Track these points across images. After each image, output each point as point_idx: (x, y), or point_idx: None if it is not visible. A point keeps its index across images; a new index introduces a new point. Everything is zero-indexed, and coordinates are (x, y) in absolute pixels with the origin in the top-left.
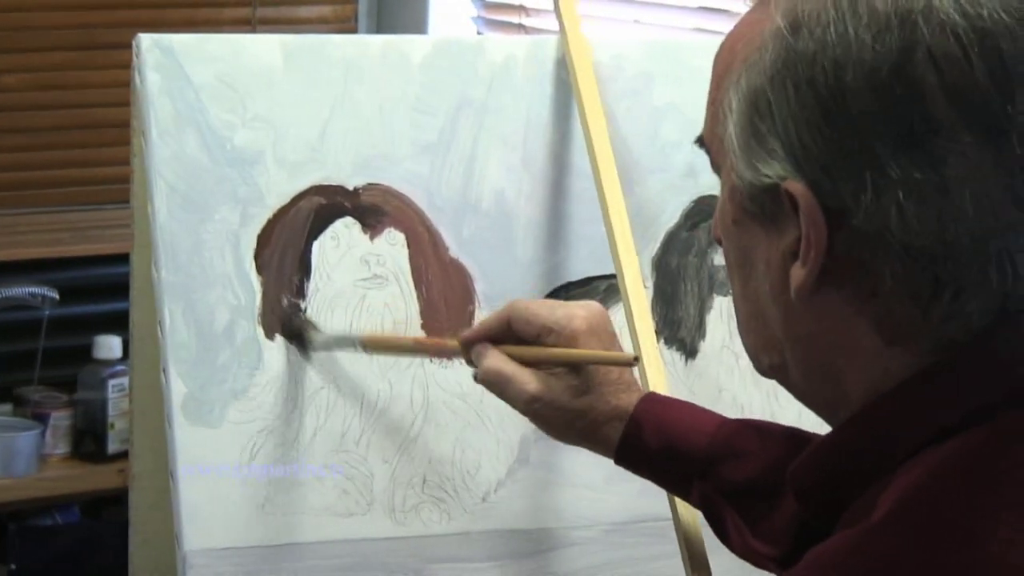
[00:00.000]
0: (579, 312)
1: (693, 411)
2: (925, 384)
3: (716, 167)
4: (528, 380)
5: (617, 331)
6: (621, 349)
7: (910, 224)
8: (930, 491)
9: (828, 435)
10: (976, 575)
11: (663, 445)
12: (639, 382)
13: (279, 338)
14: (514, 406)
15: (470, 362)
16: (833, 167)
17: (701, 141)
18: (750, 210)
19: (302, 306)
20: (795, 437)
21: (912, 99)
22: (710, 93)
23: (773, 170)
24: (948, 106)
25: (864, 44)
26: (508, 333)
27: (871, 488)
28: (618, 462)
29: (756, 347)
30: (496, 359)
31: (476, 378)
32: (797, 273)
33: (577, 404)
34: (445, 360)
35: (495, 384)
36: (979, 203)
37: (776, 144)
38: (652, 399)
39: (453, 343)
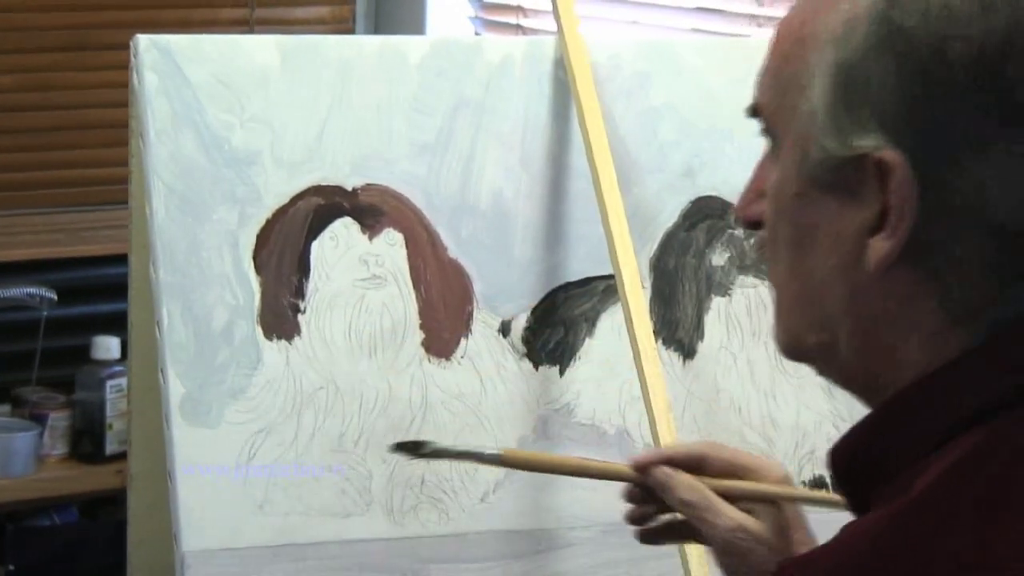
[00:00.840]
0: (774, 465)
1: None
2: (972, 364)
3: (772, 137)
4: (731, 510)
5: (616, 333)
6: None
7: (1001, 200)
8: (971, 470)
9: (871, 413)
10: (1014, 558)
11: None
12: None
13: (277, 338)
14: (711, 532)
15: (633, 491)
16: (931, 139)
17: (754, 111)
18: (826, 181)
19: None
20: None
21: (1018, 74)
22: (774, 63)
23: (865, 141)
24: None
25: (970, 17)
26: (697, 467)
27: (909, 468)
28: None
29: (800, 328)
30: (696, 482)
31: (630, 517)
32: (879, 246)
33: (779, 543)
34: (444, 360)
35: (697, 505)
36: None
37: (871, 115)
38: None
39: (617, 466)
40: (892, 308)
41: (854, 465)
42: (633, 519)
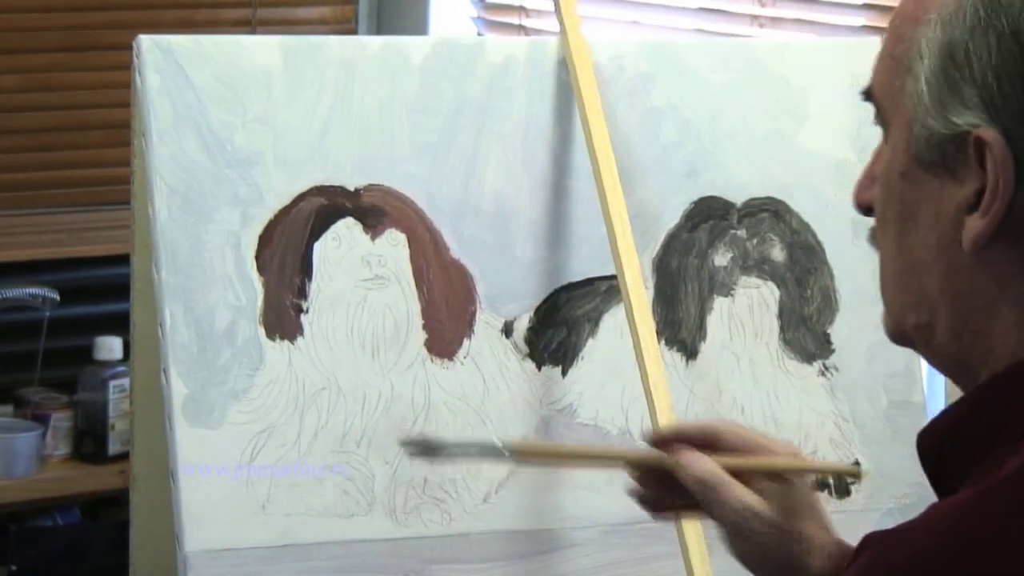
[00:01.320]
0: (784, 443)
1: None
2: None
3: (883, 120)
4: (742, 491)
5: (618, 333)
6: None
7: None
8: None
9: (964, 396)
10: None
11: None
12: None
13: (279, 338)
14: (721, 512)
15: (640, 471)
16: None
17: (868, 94)
18: (927, 159)
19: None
20: None
21: None
22: (887, 46)
23: (965, 119)
24: None
25: None
26: (710, 444)
27: (998, 453)
28: None
29: (903, 306)
30: (711, 461)
31: (637, 494)
32: (974, 224)
33: (789, 525)
34: (446, 360)
35: (710, 486)
36: None
37: (972, 93)
38: (850, 548)
39: (625, 448)
40: (988, 288)
41: (944, 448)
42: (643, 500)
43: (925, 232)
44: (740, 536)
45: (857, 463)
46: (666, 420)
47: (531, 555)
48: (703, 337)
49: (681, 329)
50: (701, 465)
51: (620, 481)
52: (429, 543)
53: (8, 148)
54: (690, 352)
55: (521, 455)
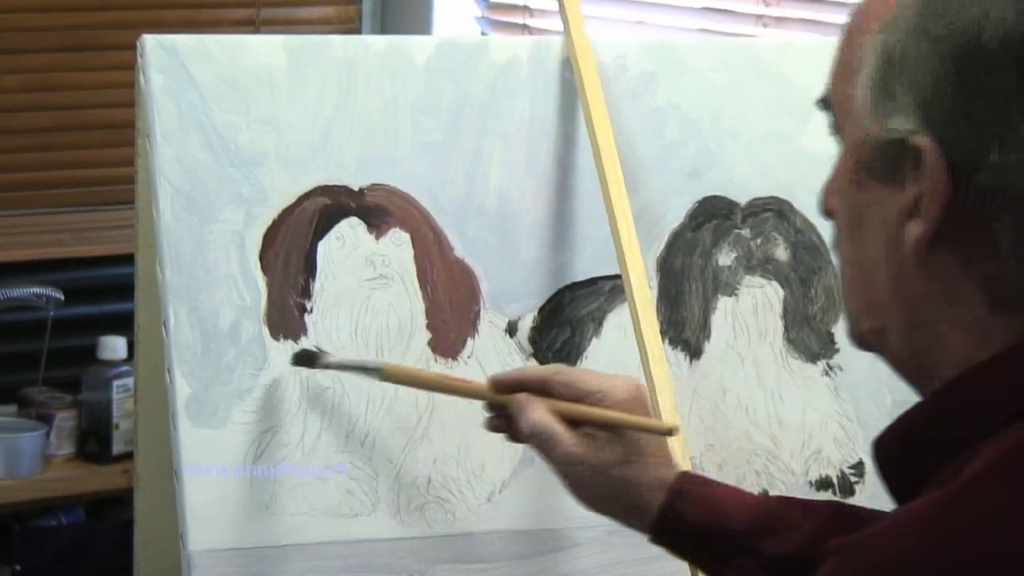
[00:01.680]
0: (623, 384)
1: (731, 489)
2: (1022, 354)
3: (838, 129)
4: (574, 441)
5: (622, 333)
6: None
7: None
8: (1018, 459)
9: (919, 403)
10: None
11: (704, 519)
12: (676, 458)
13: (283, 338)
14: (554, 464)
15: (492, 408)
16: (962, 123)
17: (824, 102)
18: (872, 166)
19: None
20: (839, 511)
21: None
22: (839, 52)
23: (901, 124)
24: None
25: (1007, 4)
26: (544, 392)
27: (958, 458)
28: (654, 537)
29: (858, 311)
30: (543, 413)
31: (491, 425)
32: (914, 229)
33: (620, 471)
34: (451, 360)
35: (543, 440)
36: None
37: (907, 98)
38: (692, 475)
39: (479, 385)
40: (934, 292)
41: (902, 454)
42: (495, 429)
43: (874, 238)
44: (571, 483)
45: (675, 428)
46: (670, 419)
47: (534, 555)
48: (707, 337)
49: (685, 329)
50: (532, 416)
51: None
52: (433, 543)
53: (11, 148)
54: (694, 352)
55: (391, 376)
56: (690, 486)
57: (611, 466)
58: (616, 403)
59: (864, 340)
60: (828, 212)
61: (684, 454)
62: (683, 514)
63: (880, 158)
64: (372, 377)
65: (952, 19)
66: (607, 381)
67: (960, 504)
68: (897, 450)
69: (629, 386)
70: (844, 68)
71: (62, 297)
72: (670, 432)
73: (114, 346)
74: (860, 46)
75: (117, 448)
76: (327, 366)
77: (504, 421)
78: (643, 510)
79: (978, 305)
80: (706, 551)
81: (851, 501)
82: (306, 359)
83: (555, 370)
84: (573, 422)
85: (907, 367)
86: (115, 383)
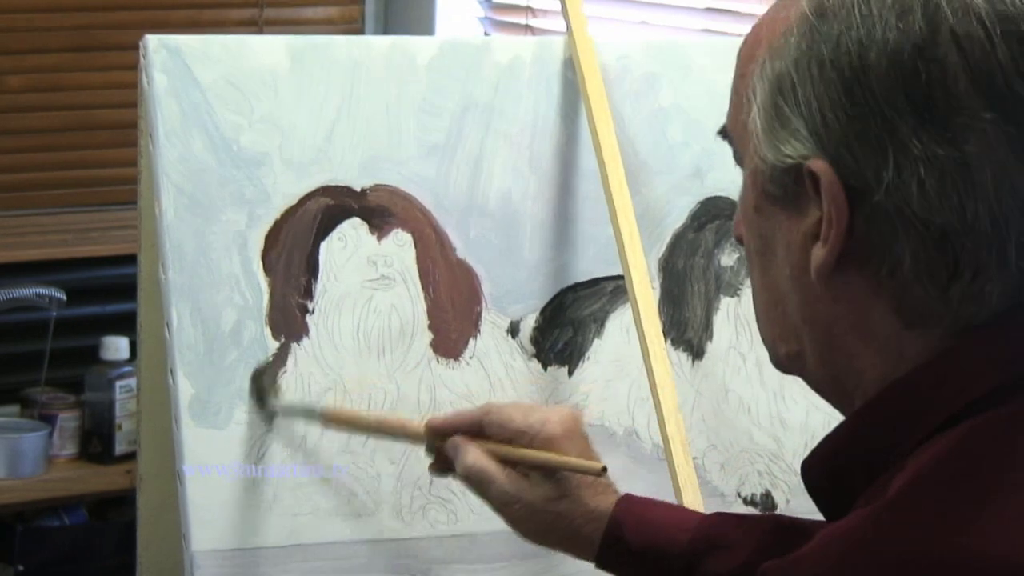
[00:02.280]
0: (553, 417)
1: (672, 509)
2: (940, 369)
3: (739, 158)
4: (508, 481)
5: (624, 333)
6: (595, 453)
7: (931, 200)
8: (944, 470)
9: (842, 423)
10: (986, 556)
11: (645, 544)
12: (613, 485)
13: (286, 339)
14: (492, 505)
15: (430, 449)
16: (855, 145)
17: (724, 132)
18: (772, 193)
19: (267, 365)
20: (779, 524)
21: (934, 78)
22: (734, 83)
23: (796, 150)
24: (970, 85)
25: (888, 24)
26: (479, 432)
27: (884, 474)
28: (599, 565)
29: (774, 336)
30: (477, 455)
31: (435, 470)
32: (818, 253)
33: (555, 507)
34: (452, 361)
35: (477, 482)
36: (999, 183)
37: (799, 124)
38: (630, 500)
39: (416, 427)
40: (844, 314)
41: (829, 474)
42: (436, 470)
43: (781, 264)
44: (509, 520)
45: (604, 468)
46: (672, 421)
47: (537, 555)
48: (709, 337)
49: (687, 329)
50: (465, 459)
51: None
52: (435, 543)
53: (14, 148)
54: (696, 352)
55: (329, 418)
56: (629, 512)
57: (545, 502)
58: (549, 438)
59: (783, 365)
60: (739, 239)
61: (686, 455)
62: (623, 540)
63: (779, 185)
64: (312, 420)
65: (837, 42)
66: (537, 417)
67: (886, 521)
68: (824, 470)
69: (563, 417)
70: (739, 97)
71: (64, 297)
72: (599, 473)
73: (116, 346)
74: (751, 74)
75: (120, 448)
76: (270, 409)
77: (446, 463)
78: (583, 540)
79: (890, 324)
80: (650, 574)
81: None
82: (257, 395)
83: (486, 410)
84: (508, 461)
85: (827, 389)
86: (118, 383)
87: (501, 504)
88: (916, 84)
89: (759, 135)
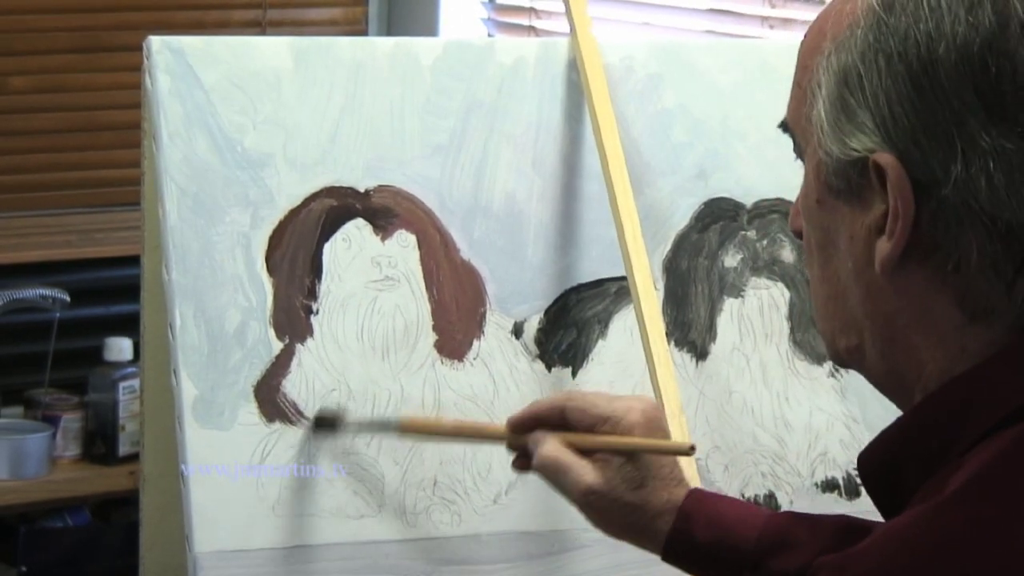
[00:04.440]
0: (636, 405)
1: (741, 505)
2: (1002, 365)
3: (800, 151)
4: (586, 471)
5: (628, 334)
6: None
7: (999, 195)
8: (1004, 468)
9: (901, 418)
10: None
11: (714, 538)
12: (687, 476)
13: (290, 340)
14: (568, 496)
15: (514, 447)
16: (923, 138)
17: (785, 126)
18: (836, 186)
19: (337, 402)
20: (846, 525)
21: (1004, 72)
22: (796, 76)
23: (862, 143)
24: None
25: (957, 18)
26: (561, 421)
27: (942, 471)
28: (666, 557)
29: (833, 330)
30: (553, 446)
31: (517, 466)
32: (883, 247)
33: (632, 497)
34: (456, 362)
35: (552, 472)
36: None
37: (866, 117)
38: (700, 494)
39: (497, 427)
40: (907, 307)
41: (885, 469)
42: (520, 468)
43: (843, 258)
44: (585, 511)
45: (692, 447)
46: (676, 421)
47: (541, 556)
48: (713, 338)
49: (691, 330)
50: (542, 451)
51: None
52: (439, 544)
53: (19, 149)
54: (700, 353)
55: (408, 428)
56: (699, 506)
57: (623, 492)
58: (630, 425)
59: (842, 358)
60: (797, 233)
61: (691, 458)
62: (691, 535)
63: (843, 178)
64: (390, 433)
65: (905, 35)
66: (621, 404)
67: (944, 518)
68: (881, 465)
69: (645, 406)
70: (801, 91)
71: (68, 298)
72: (688, 452)
73: (120, 347)
74: (816, 67)
75: (123, 449)
76: (346, 430)
77: (528, 459)
78: (655, 532)
79: (952, 318)
80: (716, 569)
81: (856, 503)
82: (327, 423)
83: (567, 397)
84: (590, 451)
85: (886, 383)
86: (121, 384)
87: (576, 493)
88: (985, 78)
89: (824, 128)
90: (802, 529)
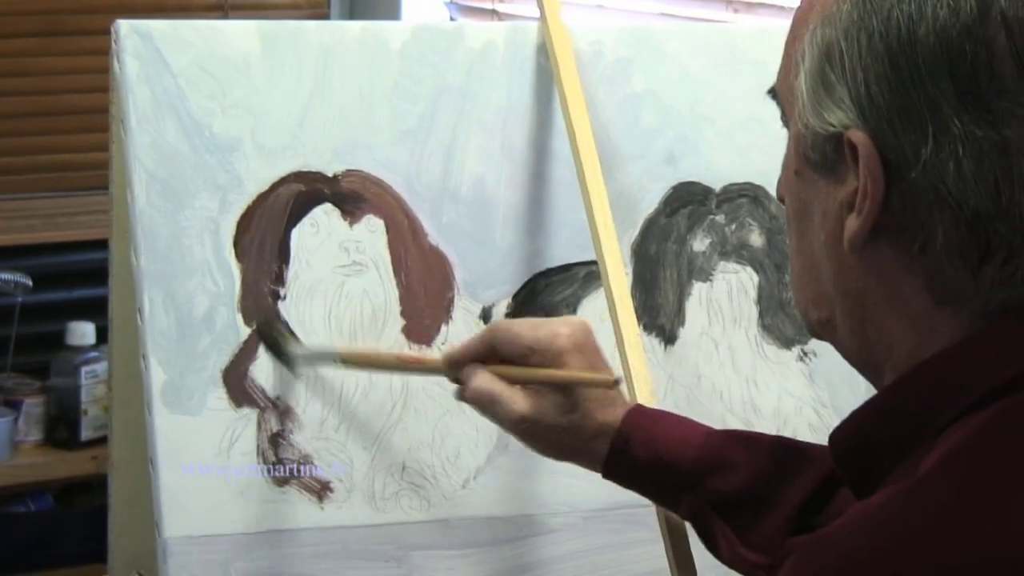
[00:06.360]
0: (562, 330)
1: (680, 423)
2: (972, 348)
3: (785, 119)
4: (517, 400)
5: (597, 319)
6: (606, 363)
7: (967, 181)
8: (973, 451)
9: (873, 398)
10: (1018, 539)
11: (652, 458)
12: (625, 395)
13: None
14: (502, 426)
15: (454, 380)
16: (896, 119)
17: (774, 92)
18: (812, 159)
19: (280, 314)
20: (782, 446)
21: (980, 60)
22: (786, 44)
23: (838, 119)
24: (1016, 70)
25: (940, 1)
26: (493, 354)
27: (914, 453)
28: (606, 476)
29: (806, 302)
30: (484, 379)
31: (459, 396)
32: (851, 224)
33: (565, 421)
34: (424, 347)
35: (484, 404)
36: None
37: (844, 93)
38: (639, 412)
39: (435, 360)
40: (875, 286)
41: (858, 449)
42: (461, 397)
43: (817, 231)
44: (521, 438)
45: (617, 380)
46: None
47: (510, 541)
48: (682, 323)
49: (660, 315)
50: (472, 384)
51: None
52: (408, 529)
53: None
54: (669, 338)
55: (348, 359)
56: (636, 426)
57: (555, 418)
58: (558, 350)
59: (815, 330)
60: (781, 199)
61: None
62: (630, 454)
63: (819, 151)
64: (328, 363)
65: (888, 14)
66: (545, 331)
67: (916, 500)
68: (853, 445)
69: (573, 330)
70: (789, 60)
71: (30, 283)
72: (612, 384)
73: (83, 332)
74: (803, 39)
75: (86, 434)
76: (289, 361)
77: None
78: (593, 453)
79: (922, 301)
80: (657, 489)
81: None
82: (270, 339)
83: (494, 328)
84: (519, 380)
85: (857, 360)
86: (83, 369)
87: (510, 423)
88: (962, 64)
89: (804, 100)
90: (739, 449)
